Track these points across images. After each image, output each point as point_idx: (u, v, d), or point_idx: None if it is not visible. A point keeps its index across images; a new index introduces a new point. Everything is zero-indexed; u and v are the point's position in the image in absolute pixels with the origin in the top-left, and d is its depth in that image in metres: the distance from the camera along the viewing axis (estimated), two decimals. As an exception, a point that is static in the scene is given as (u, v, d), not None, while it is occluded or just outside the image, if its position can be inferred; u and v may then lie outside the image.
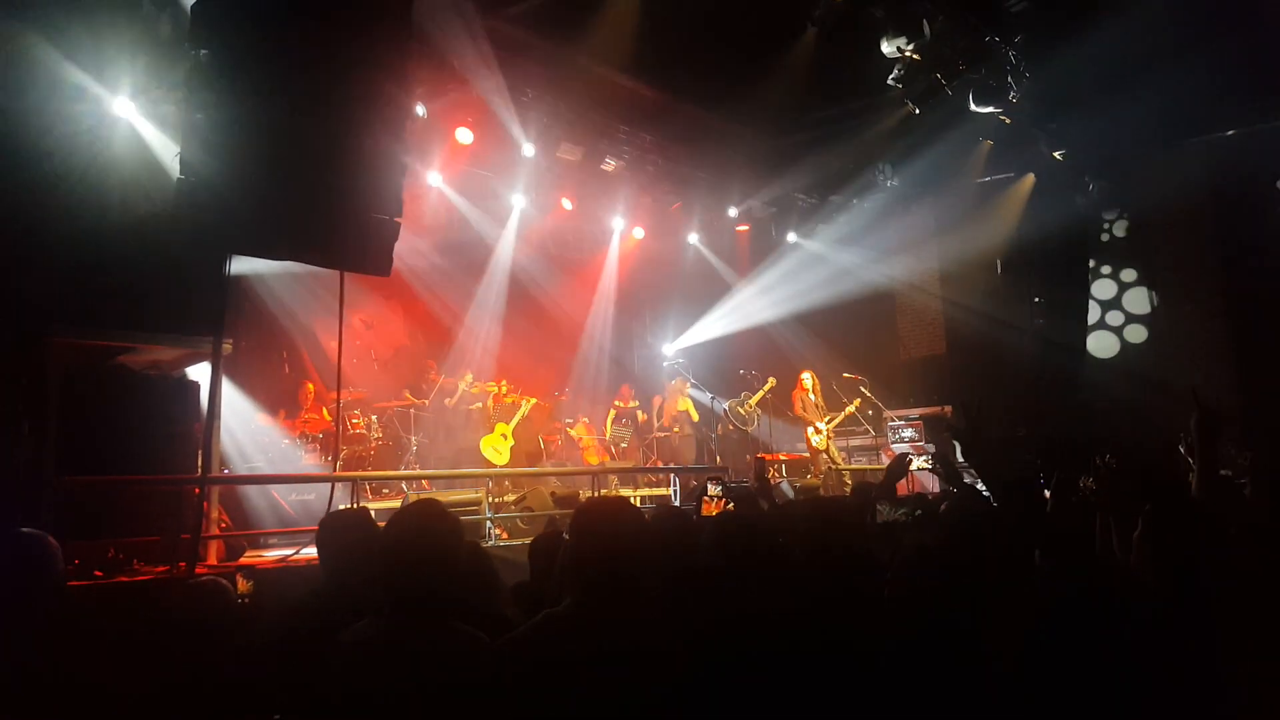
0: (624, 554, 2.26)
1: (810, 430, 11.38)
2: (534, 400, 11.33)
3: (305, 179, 5.29)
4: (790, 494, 8.24)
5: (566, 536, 2.47)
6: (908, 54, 8.64)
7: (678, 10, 8.28)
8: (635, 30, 8.64)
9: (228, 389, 7.69)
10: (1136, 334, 13.40)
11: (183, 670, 2.73)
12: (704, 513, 5.55)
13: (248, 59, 5.09)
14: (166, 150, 7.57)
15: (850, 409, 11.61)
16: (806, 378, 11.75)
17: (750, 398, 12.11)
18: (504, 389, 11.18)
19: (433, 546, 2.39)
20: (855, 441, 12.54)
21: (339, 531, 3.15)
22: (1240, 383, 11.84)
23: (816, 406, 11.59)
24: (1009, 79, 9.80)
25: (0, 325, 6.55)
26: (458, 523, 2.52)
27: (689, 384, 12.63)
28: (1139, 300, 13.48)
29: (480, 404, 10.90)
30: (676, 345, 15.04)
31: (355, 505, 6.79)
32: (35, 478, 5.06)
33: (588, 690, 2.09)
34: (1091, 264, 13.01)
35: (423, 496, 8.47)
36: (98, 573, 4.87)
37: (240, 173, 4.99)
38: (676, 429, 12.38)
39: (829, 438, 11.40)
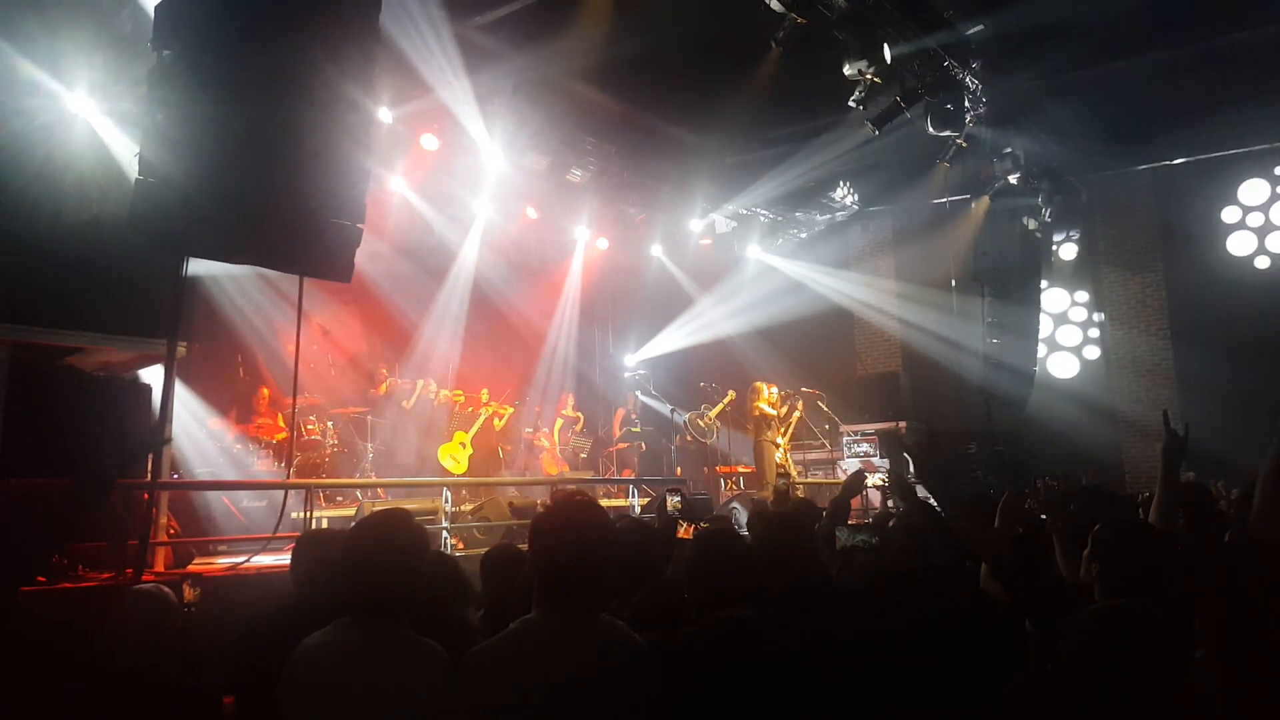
0: (590, 558, 2.22)
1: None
2: (494, 407, 11.29)
3: (267, 183, 5.24)
4: (744, 518, 8.21)
5: (525, 547, 2.45)
6: (868, 76, 8.82)
7: (646, 25, 8.36)
8: (604, 43, 8.70)
9: (180, 392, 7.56)
10: (1087, 355, 13.76)
11: (125, 677, 2.69)
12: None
13: (212, 61, 5.04)
14: (124, 148, 7.45)
15: (797, 414, 11.71)
16: (763, 388, 11.65)
17: (710, 410, 12.19)
18: (462, 397, 11.13)
19: (396, 555, 2.38)
20: (812, 455, 12.69)
21: (315, 551, 3.12)
22: (1184, 408, 12.22)
23: (777, 420, 11.62)
24: (966, 104, 10.06)
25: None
26: (423, 532, 2.51)
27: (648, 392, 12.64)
28: (1089, 323, 13.85)
29: (445, 409, 10.83)
30: (638, 356, 15.09)
31: (309, 513, 6.71)
32: (-22, 480, 4.93)
33: (560, 702, 2.07)
34: (1044, 285, 13.35)
35: (385, 506, 8.40)
36: (40, 578, 4.75)
37: (201, 174, 4.93)
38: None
39: (786, 450, 11.49)
